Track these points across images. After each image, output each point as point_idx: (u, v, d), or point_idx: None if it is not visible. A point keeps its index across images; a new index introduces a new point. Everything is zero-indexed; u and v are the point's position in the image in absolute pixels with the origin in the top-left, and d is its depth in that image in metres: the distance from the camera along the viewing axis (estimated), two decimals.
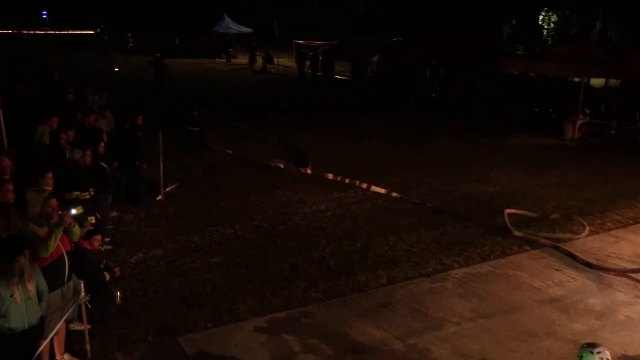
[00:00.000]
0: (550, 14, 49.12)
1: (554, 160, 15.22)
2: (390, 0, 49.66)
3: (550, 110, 20.16)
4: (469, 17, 39.58)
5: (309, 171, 13.11)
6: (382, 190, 12.01)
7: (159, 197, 11.13)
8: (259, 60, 34.99)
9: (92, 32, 62.77)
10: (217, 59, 38.59)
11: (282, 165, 13.54)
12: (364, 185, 12.24)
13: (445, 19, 38.63)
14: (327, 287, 7.92)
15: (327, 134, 17.37)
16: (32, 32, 57.72)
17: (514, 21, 49.32)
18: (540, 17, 49.56)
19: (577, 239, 9.90)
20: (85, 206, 7.82)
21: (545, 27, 49.56)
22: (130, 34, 56.21)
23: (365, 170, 13.45)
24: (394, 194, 11.84)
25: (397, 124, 19.35)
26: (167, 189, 11.47)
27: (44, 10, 70.22)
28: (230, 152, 14.83)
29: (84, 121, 10.96)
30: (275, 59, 34.25)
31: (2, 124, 9.49)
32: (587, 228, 10.28)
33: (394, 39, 29.41)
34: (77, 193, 8.31)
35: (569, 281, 8.32)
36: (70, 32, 61.23)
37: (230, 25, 42.76)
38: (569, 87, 19.93)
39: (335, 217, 10.59)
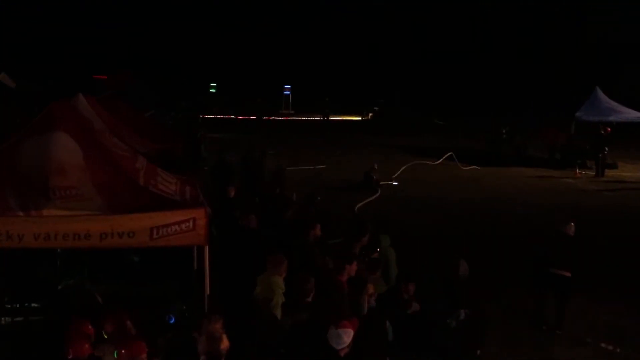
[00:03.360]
0: None
1: None
2: None
3: None
4: None
5: None
6: None
7: None
8: None
9: (360, 117, 61.49)
10: (577, 171, 31.27)
11: None
12: None
13: None
14: None
15: None
16: (270, 117, 57.06)
17: None
18: None
19: None
20: None
21: None
22: (327, 99, 55.32)
23: None
24: None
25: None
26: None
27: (287, 85, 64.03)
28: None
29: (341, 273, 9.57)
30: None
31: (207, 276, 8.31)
32: None
33: None
34: None
35: None
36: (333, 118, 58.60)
37: (610, 107, 33.29)
38: None
39: None
